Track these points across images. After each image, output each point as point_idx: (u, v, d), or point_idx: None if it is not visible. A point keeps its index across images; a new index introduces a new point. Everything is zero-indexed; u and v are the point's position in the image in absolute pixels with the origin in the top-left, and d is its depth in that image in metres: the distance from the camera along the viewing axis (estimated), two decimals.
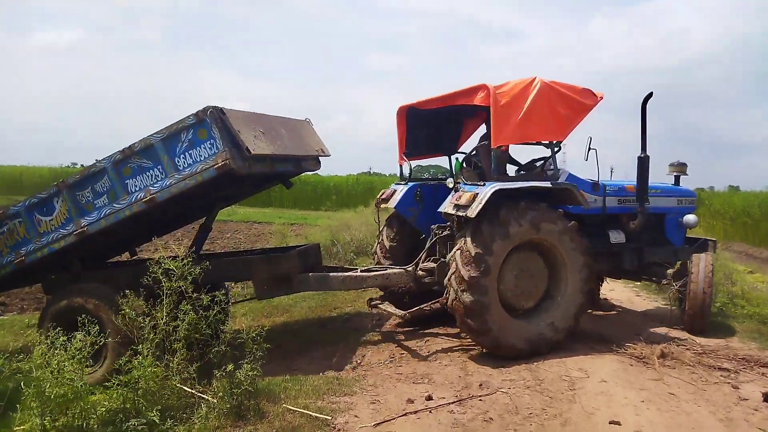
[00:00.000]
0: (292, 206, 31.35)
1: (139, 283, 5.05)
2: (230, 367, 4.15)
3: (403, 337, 6.67)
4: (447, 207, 5.90)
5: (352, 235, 13.04)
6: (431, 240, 6.34)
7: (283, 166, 6.13)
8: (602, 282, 7.89)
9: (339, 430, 4.10)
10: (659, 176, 7.48)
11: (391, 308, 6.49)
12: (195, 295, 4.52)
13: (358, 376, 5.34)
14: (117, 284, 5.53)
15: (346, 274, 6.24)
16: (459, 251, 5.55)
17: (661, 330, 6.69)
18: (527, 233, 5.62)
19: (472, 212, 5.43)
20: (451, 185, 6.31)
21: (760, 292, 8.88)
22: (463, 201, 5.61)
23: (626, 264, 6.88)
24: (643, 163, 6.56)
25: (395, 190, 7.01)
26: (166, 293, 4.49)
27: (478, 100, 5.80)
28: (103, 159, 5.25)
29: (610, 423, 4.20)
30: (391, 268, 6.50)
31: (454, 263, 5.56)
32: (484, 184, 5.67)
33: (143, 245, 7.97)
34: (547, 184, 5.86)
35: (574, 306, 5.89)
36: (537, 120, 5.74)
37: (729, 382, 5.04)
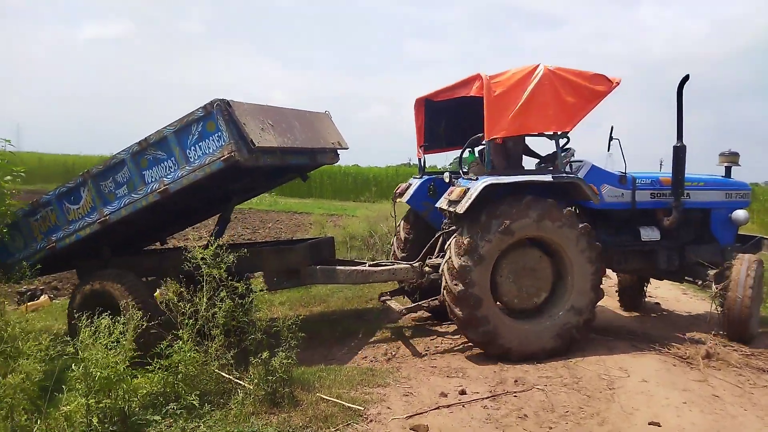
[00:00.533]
0: (331, 197, 31.60)
1: (160, 270, 5.48)
2: (265, 354, 4.22)
3: (438, 330, 6.65)
4: (442, 202, 5.80)
5: (390, 226, 13.03)
6: (438, 236, 6.22)
7: (296, 158, 6.17)
8: (647, 283, 7.54)
9: (371, 420, 4.12)
10: (710, 169, 6.93)
11: (393, 303, 6.43)
12: (231, 282, 4.62)
13: (392, 367, 5.35)
14: (138, 271, 5.89)
15: (353, 268, 6.27)
16: (445, 290, 5.47)
17: (706, 331, 6.45)
18: (501, 244, 5.35)
19: (461, 208, 5.33)
20: (447, 179, 6.20)
21: None
22: (454, 196, 5.49)
23: (661, 263, 6.29)
24: (678, 153, 6.05)
25: (410, 185, 6.88)
26: (207, 280, 4.60)
27: (474, 90, 5.57)
28: (123, 150, 5.46)
29: (650, 424, 4.09)
30: (398, 263, 6.47)
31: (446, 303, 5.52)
32: (477, 179, 5.49)
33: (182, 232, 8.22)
34: (548, 177, 5.52)
35: (587, 279, 5.56)
36: (538, 110, 5.44)
37: None
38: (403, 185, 6.95)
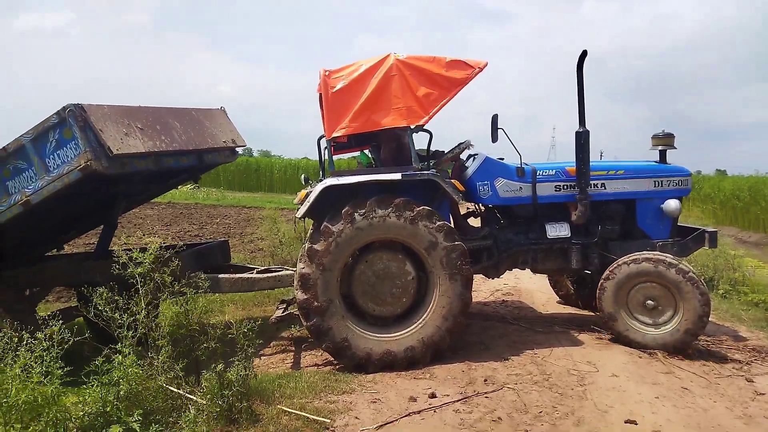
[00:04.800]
0: (282, 190, 30.89)
1: (40, 282, 5.74)
2: (219, 366, 3.83)
3: None
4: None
5: None
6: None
7: (177, 161, 5.78)
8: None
9: None
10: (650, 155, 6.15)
11: (279, 311, 5.95)
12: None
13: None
14: (19, 283, 5.81)
15: (238, 275, 5.93)
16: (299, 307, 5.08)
17: None
18: (346, 248, 4.97)
19: (300, 212, 5.13)
20: (303, 183, 5.96)
21: (761, 278, 8.76)
22: (297, 200, 5.27)
23: (574, 262, 5.73)
24: (581, 139, 5.52)
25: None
26: (143, 286, 4.16)
27: (318, 88, 5.26)
28: None
29: (626, 422, 3.96)
30: (285, 269, 6.17)
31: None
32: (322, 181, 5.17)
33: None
34: (396, 176, 5.05)
35: (450, 283, 5.05)
36: (386, 104, 5.07)
37: (742, 375, 4.84)
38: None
